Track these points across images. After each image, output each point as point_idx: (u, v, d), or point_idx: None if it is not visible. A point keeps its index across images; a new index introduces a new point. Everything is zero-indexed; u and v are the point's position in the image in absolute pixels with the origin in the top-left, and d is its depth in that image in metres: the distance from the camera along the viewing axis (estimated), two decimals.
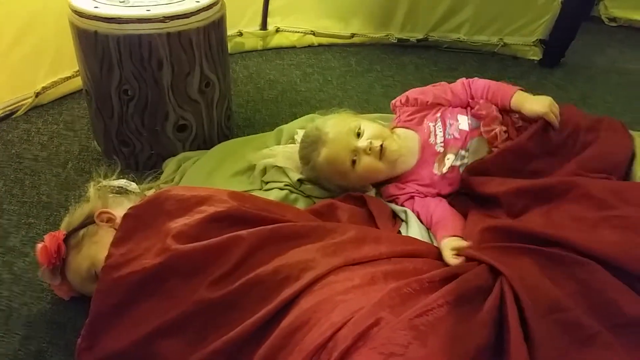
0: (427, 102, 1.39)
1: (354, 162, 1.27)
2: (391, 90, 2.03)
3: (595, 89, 2.08)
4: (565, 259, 0.97)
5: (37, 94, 1.86)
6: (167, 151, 1.56)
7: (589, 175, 1.20)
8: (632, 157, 1.30)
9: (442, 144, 1.32)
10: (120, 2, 1.44)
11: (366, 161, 1.27)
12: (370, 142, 1.26)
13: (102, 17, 1.38)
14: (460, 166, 1.31)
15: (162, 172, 1.51)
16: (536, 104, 1.29)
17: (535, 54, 2.27)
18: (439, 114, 1.37)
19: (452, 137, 1.32)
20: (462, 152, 1.32)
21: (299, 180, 1.36)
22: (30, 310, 1.17)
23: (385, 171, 1.31)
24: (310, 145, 1.32)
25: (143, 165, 1.58)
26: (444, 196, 1.33)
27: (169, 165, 1.52)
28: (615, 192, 1.10)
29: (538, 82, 2.12)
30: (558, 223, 1.08)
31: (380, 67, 2.21)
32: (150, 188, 1.36)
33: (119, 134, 1.54)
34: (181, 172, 1.48)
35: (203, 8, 1.45)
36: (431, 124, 1.35)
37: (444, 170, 1.31)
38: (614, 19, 2.62)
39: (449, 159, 1.31)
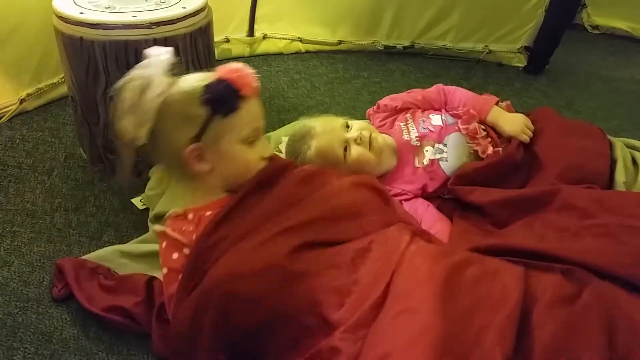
0: (396, 107, 1.46)
1: (345, 153, 1.31)
2: (378, 96, 2.02)
3: (579, 95, 2.10)
4: (550, 269, 0.98)
5: (22, 101, 1.83)
6: None
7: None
8: (614, 164, 1.32)
9: (418, 138, 1.38)
10: (106, 7, 1.43)
11: (357, 150, 1.31)
12: (360, 133, 1.32)
13: (87, 23, 1.37)
14: (439, 160, 1.35)
15: (149, 180, 1.50)
16: (509, 126, 1.37)
17: (520, 61, 2.30)
18: (408, 114, 1.44)
19: (427, 130, 1.38)
20: (440, 146, 1.36)
21: None
22: (15, 320, 1.15)
23: (374, 162, 1.34)
24: (300, 140, 1.34)
25: (129, 173, 1.56)
26: (430, 195, 1.35)
27: (156, 172, 1.51)
28: (596, 200, 1.12)
29: (523, 88, 2.14)
30: (540, 235, 1.10)
31: (367, 74, 2.22)
32: None
33: (105, 140, 1.52)
34: (168, 179, 1.47)
35: (190, 14, 1.44)
36: (402, 124, 1.41)
37: (425, 162, 1.35)
38: (596, 27, 2.66)
39: (427, 151, 1.36)
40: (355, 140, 1.31)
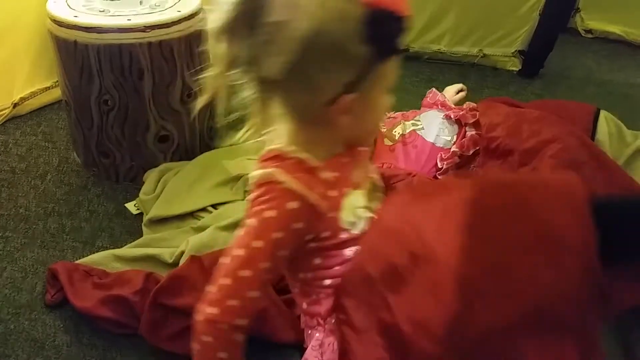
0: None
1: None
2: None
3: (573, 98, 2.09)
4: None
5: (15, 105, 1.82)
6: (148, 162, 1.54)
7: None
8: (595, 121, 1.46)
9: (383, 125, 1.49)
10: (101, 11, 1.42)
11: None
12: None
13: (82, 27, 1.36)
14: (416, 130, 1.45)
15: (143, 184, 1.49)
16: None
17: (515, 65, 2.30)
18: None
19: (390, 119, 1.53)
20: (411, 122, 1.48)
21: None
22: (7, 327, 1.14)
23: None
24: None
25: (123, 177, 1.55)
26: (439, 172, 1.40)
27: (150, 176, 1.50)
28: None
29: (517, 92, 2.14)
30: None
31: None
32: None
33: (99, 145, 1.51)
34: (162, 183, 1.47)
35: (185, 17, 1.44)
36: None
37: (397, 137, 1.46)
38: (590, 31, 2.66)
39: (397, 131, 1.47)
40: None
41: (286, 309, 1.10)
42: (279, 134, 0.81)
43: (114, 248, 1.30)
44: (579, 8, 2.62)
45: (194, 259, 1.16)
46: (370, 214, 0.85)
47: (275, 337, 1.07)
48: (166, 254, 1.23)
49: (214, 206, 1.40)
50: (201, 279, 1.11)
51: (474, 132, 1.40)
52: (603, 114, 1.49)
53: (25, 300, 1.19)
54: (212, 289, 0.78)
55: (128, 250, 1.27)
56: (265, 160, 0.80)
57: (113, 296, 1.12)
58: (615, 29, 2.61)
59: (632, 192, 1.24)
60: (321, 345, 0.85)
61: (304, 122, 0.80)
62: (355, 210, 0.83)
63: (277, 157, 0.79)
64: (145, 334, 1.07)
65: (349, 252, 0.83)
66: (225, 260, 0.78)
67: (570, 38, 2.59)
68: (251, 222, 0.77)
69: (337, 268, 0.83)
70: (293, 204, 0.76)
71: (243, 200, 1.40)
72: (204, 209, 1.39)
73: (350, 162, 0.85)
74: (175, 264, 1.21)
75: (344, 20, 0.72)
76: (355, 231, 0.83)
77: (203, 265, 1.14)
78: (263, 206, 0.77)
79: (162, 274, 1.16)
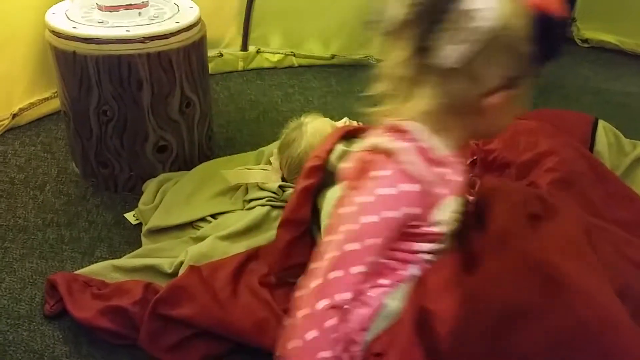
0: None
1: None
2: None
3: (570, 107, 2.11)
4: None
5: (14, 116, 1.82)
6: (147, 172, 1.54)
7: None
8: (593, 132, 1.46)
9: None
10: (99, 22, 1.43)
11: None
12: (347, 120, 1.52)
13: (80, 38, 1.37)
14: None
15: (142, 194, 1.49)
16: None
17: None
18: None
19: None
20: None
21: (280, 187, 1.38)
22: (5, 338, 1.13)
23: None
24: (294, 130, 1.43)
25: (122, 187, 1.55)
26: None
27: (149, 186, 1.50)
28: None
29: None
30: None
31: (360, 88, 2.22)
32: None
33: (98, 155, 1.51)
34: (161, 193, 1.47)
35: (183, 29, 1.45)
36: None
37: None
38: (586, 40, 2.68)
39: None
40: (344, 124, 1.51)
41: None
42: (412, 110, 0.81)
43: (113, 258, 1.30)
44: (574, 18, 2.64)
45: (193, 269, 1.16)
46: (454, 222, 0.88)
47: (276, 349, 1.07)
48: (165, 264, 1.23)
49: (213, 216, 1.40)
50: (200, 289, 1.12)
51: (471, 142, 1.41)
52: (601, 123, 1.49)
53: (24, 311, 1.19)
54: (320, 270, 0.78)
55: (127, 260, 1.27)
56: (391, 131, 0.81)
57: (112, 307, 1.11)
58: (611, 38, 2.63)
59: (631, 202, 1.24)
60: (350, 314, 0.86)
61: (449, 108, 0.80)
62: (447, 212, 0.85)
63: (403, 134, 0.80)
64: (145, 345, 1.07)
65: (418, 245, 0.86)
66: (333, 250, 0.78)
67: (566, 47, 2.61)
68: (363, 199, 0.77)
69: (398, 253, 0.86)
70: (410, 187, 0.77)
71: (242, 209, 1.40)
72: (203, 219, 1.39)
73: (462, 164, 0.87)
74: (174, 274, 1.21)
75: (523, 18, 0.76)
76: (436, 229, 0.85)
77: (202, 275, 1.15)
78: (377, 182, 0.77)
79: (161, 284, 1.16)
